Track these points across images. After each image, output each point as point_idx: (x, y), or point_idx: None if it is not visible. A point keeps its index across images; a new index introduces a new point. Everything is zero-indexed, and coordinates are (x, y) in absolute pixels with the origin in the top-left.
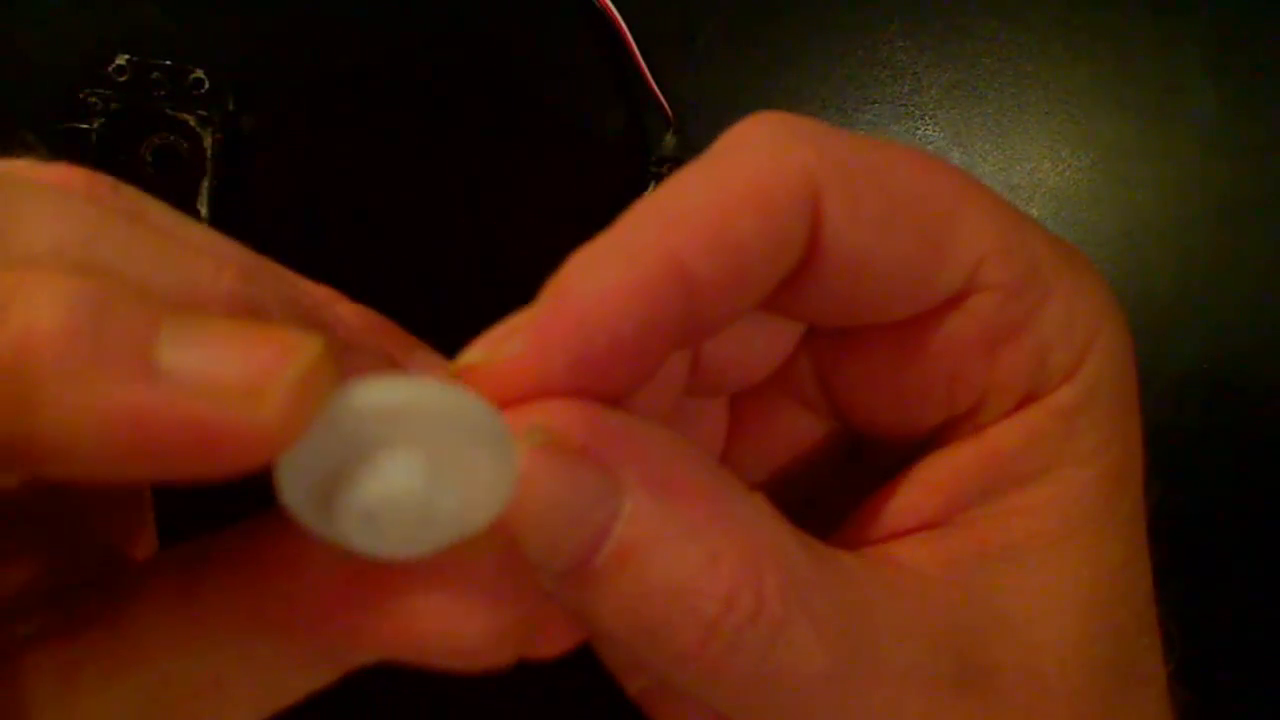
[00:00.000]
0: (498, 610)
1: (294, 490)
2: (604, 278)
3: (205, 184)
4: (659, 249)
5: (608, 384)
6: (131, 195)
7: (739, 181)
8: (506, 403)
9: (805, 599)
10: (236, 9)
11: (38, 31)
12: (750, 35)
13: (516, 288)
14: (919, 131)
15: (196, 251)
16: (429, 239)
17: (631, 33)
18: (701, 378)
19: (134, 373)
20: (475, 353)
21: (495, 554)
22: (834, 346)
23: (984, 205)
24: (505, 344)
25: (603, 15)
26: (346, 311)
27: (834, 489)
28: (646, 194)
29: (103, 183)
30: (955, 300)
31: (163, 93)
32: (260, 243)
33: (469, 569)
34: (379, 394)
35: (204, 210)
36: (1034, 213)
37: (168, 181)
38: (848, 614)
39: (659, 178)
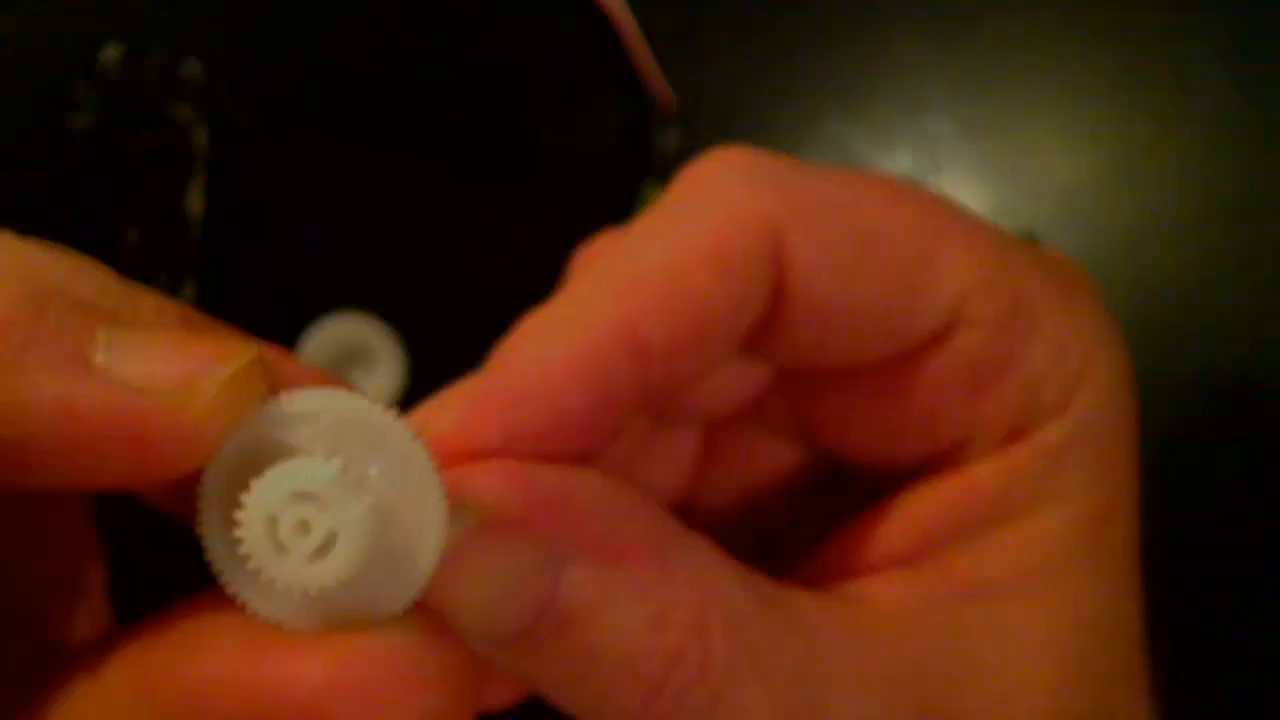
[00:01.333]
0: (428, 692)
1: (209, 497)
2: (548, 348)
3: (198, 179)
4: (609, 315)
5: (553, 456)
6: (83, 257)
7: (692, 236)
8: (443, 460)
9: (753, 653)
10: (232, 0)
11: (26, 21)
12: (756, 28)
13: (515, 286)
14: (926, 126)
15: (141, 293)
16: (426, 236)
17: (638, 26)
18: (670, 408)
19: (67, 367)
20: (410, 424)
21: (415, 624)
22: (809, 383)
23: (963, 237)
24: (438, 416)
25: (605, 16)
26: (295, 371)
27: (809, 516)
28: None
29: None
30: (936, 338)
31: (156, 85)
32: (252, 238)
33: (389, 641)
34: (307, 398)
35: (197, 206)
36: (1042, 209)
37: (160, 177)
38: (798, 667)
39: (662, 175)
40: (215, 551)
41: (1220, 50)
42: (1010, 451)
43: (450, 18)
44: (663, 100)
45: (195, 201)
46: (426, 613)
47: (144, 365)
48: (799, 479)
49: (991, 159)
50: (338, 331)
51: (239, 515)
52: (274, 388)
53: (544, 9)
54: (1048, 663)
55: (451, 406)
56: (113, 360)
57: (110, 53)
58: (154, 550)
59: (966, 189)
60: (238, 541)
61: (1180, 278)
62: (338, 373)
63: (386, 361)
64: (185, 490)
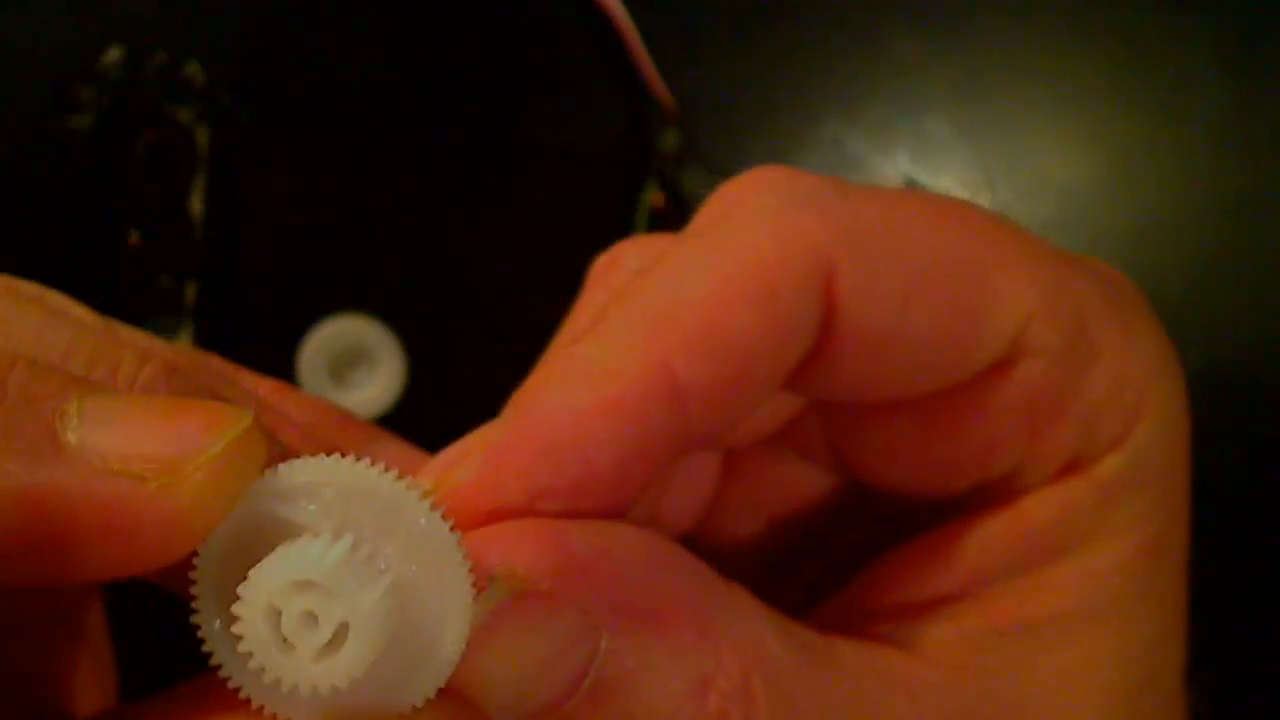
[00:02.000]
0: None
1: (203, 584)
2: (577, 395)
3: (199, 181)
4: (642, 357)
5: (582, 512)
6: (57, 296)
7: (735, 266)
8: (460, 521)
9: (796, 714)
10: (233, 2)
11: (29, 23)
12: (755, 30)
13: (515, 287)
14: (925, 128)
15: (120, 344)
16: (426, 237)
17: (636, 28)
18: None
19: (38, 450)
20: (422, 479)
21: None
22: (848, 414)
23: (1023, 258)
24: (456, 470)
25: (605, 16)
26: (296, 405)
27: (835, 545)
28: (636, 227)
29: (25, 284)
30: (994, 369)
31: (157, 87)
32: (253, 239)
33: None
34: (310, 469)
35: (198, 206)
36: (1041, 210)
37: (161, 178)
38: None
39: (661, 176)
40: (214, 644)
41: (1219, 51)
42: (1065, 485)
43: (450, 19)
44: (662, 101)
45: (196, 202)
46: (452, 700)
47: (123, 442)
48: (826, 505)
49: (990, 160)
50: (338, 333)
51: (238, 608)
52: (272, 449)
53: (544, 10)
54: (1096, 707)
55: (472, 459)
56: (87, 437)
57: (112, 54)
58: (162, 609)
59: (964, 190)
60: (237, 636)
61: (1179, 278)
62: (338, 374)
63: (387, 363)
64: (179, 570)
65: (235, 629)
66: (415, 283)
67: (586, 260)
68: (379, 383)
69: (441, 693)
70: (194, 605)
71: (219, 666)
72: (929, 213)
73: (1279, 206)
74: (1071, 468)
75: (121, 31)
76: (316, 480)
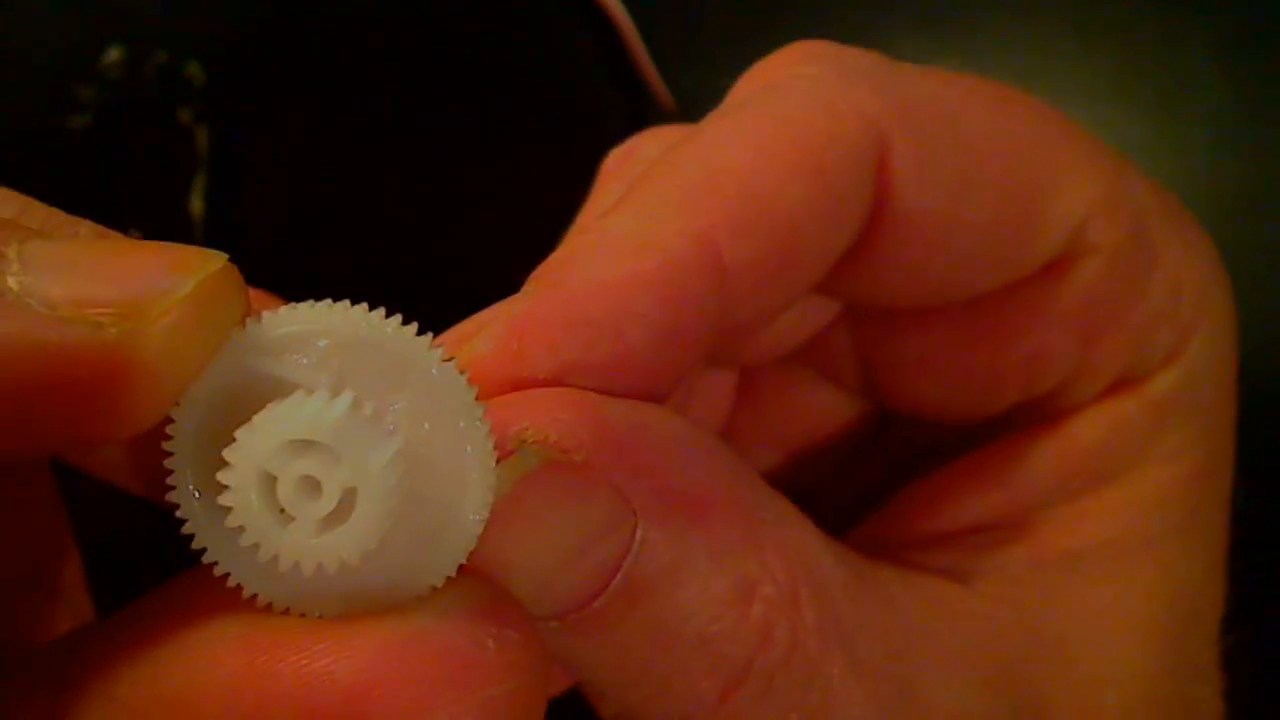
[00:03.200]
0: (489, 681)
1: (181, 453)
2: (611, 266)
3: (199, 179)
4: (683, 229)
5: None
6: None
7: (785, 139)
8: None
9: (845, 634)
10: (233, 2)
11: (29, 23)
12: (754, 29)
13: (515, 287)
14: None
15: (78, 220)
16: (426, 237)
17: (635, 26)
18: (715, 349)
19: None
20: None
21: (464, 597)
22: (882, 322)
23: (1084, 152)
24: (474, 340)
25: (603, 14)
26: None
27: (854, 471)
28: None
29: None
30: (1048, 270)
31: (157, 87)
32: (254, 238)
33: (433, 622)
34: (300, 318)
35: (199, 206)
36: None
37: (161, 177)
38: (890, 650)
39: None
40: (196, 523)
41: (1218, 51)
42: (1115, 403)
43: (450, 20)
44: (661, 101)
45: (196, 201)
46: (474, 579)
47: (74, 285)
48: (847, 432)
49: None
50: None
51: (224, 476)
52: (249, 303)
53: (544, 12)
54: (1140, 646)
55: (491, 329)
56: (31, 283)
57: (112, 54)
58: (142, 529)
59: None
60: (225, 510)
61: None
62: None
63: None
64: (151, 453)
65: (222, 500)
66: (415, 283)
67: None
68: None
69: (462, 571)
70: (170, 480)
71: (203, 550)
72: (986, 96)
73: (1278, 206)
74: (1122, 384)
75: (122, 31)
76: (309, 330)
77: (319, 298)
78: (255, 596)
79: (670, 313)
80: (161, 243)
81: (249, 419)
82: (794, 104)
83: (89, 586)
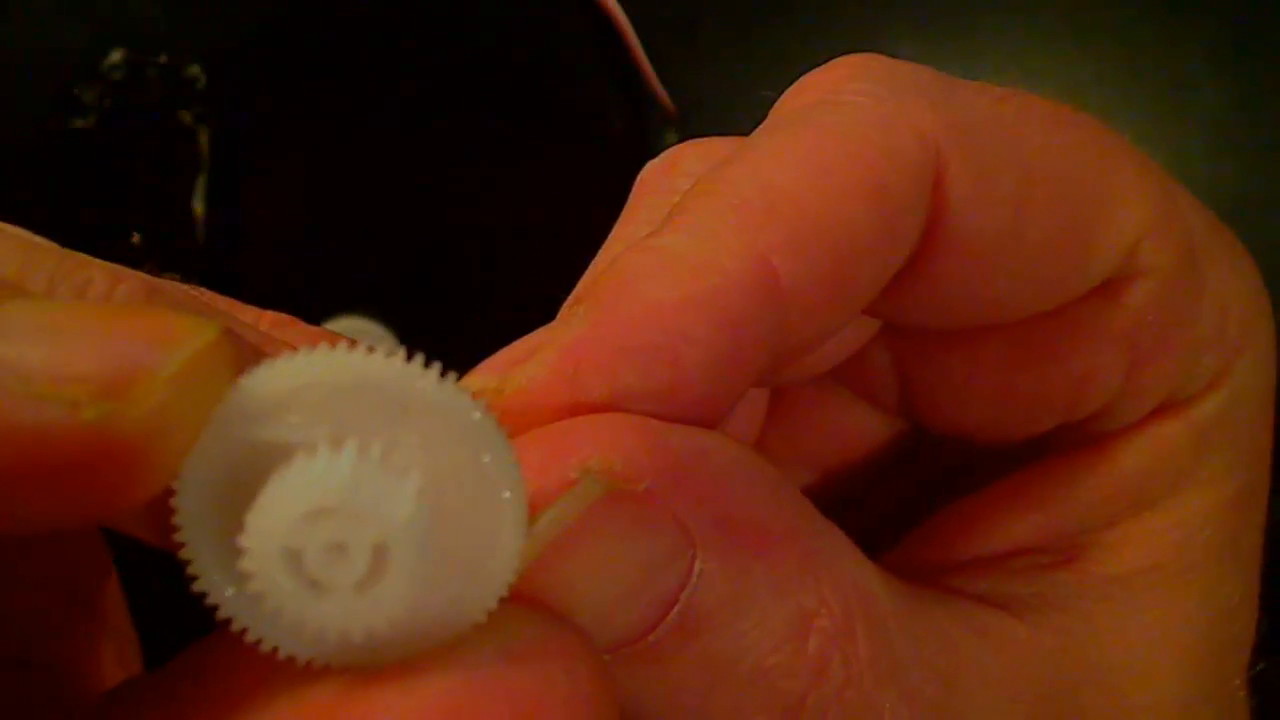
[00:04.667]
0: (566, 713)
1: (194, 543)
2: (666, 288)
3: (201, 180)
4: (740, 249)
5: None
6: (18, 228)
7: (844, 159)
8: (526, 424)
9: (897, 666)
10: (234, 5)
11: (32, 26)
12: (753, 31)
13: (516, 290)
14: None
15: (91, 263)
16: (427, 239)
17: (634, 29)
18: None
19: None
20: (479, 379)
21: (526, 629)
22: (926, 343)
23: (1135, 166)
24: (526, 365)
25: (603, 13)
26: (303, 338)
27: (886, 492)
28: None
29: None
30: (1100, 291)
31: (158, 89)
32: (256, 240)
33: (501, 658)
34: (285, 373)
35: (200, 207)
36: None
37: (163, 179)
38: (942, 682)
39: None
40: (228, 607)
41: (1216, 53)
42: (1159, 426)
43: (450, 22)
44: (661, 103)
45: (198, 203)
46: (529, 612)
47: (51, 359)
48: (880, 452)
49: None
50: (338, 334)
51: (246, 565)
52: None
53: (544, 13)
54: (1180, 673)
55: (545, 355)
56: (5, 354)
57: (114, 57)
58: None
59: None
60: (256, 593)
61: None
62: None
63: None
64: (157, 513)
65: (251, 588)
66: (415, 284)
67: (585, 261)
68: None
69: (511, 602)
70: (190, 571)
71: (232, 620)
72: (1041, 114)
73: (1276, 206)
74: (1166, 408)
75: (123, 34)
76: (296, 384)
77: (319, 298)
78: (298, 659)
79: (728, 337)
80: (151, 310)
81: (254, 494)
82: (849, 121)
83: (127, 605)
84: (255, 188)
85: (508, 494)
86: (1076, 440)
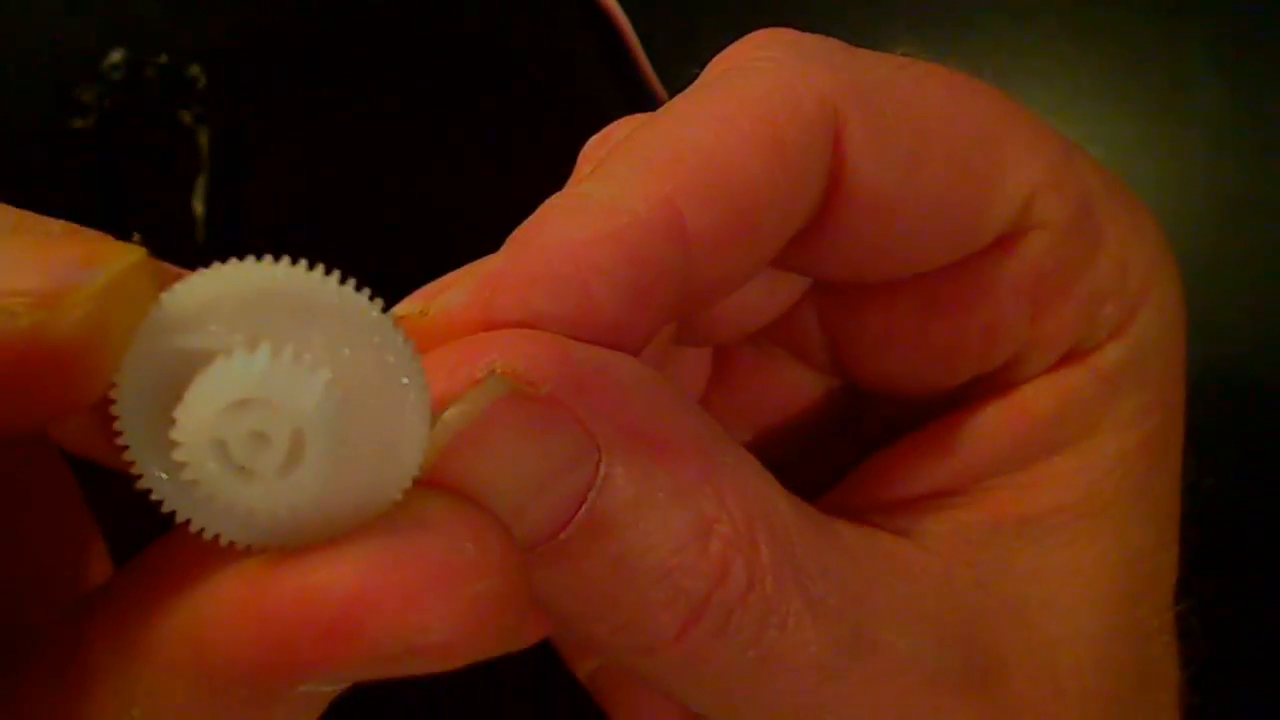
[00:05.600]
0: (477, 576)
1: (136, 445)
2: (579, 227)
3: (201, 181)
4: (648, 195)
5: None
6: None
7: (745, 113)
8: (441, 340)
9: (801, 575)
10: (234, 5)
11: (32, 27)
12: (753, 30)
13: None
14: None
15: (20, 211)
16: (427, 239)
17: (634, 30)
18: (687, 326)
19: None
20: (404, 305)
21: (438, 505)
22: (846, 298)
23: (1030, 129)
24: (442, 295)
25: (603, 14)
26: None
27: (826, 449)
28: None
29: None
30: (998, 244)
31: (158, 89)
32: (256, 240)
33: (414, 529)
34: (200, 287)
35: (200, 207)
36: None
37: (164, 178)
38: (846, 594)
39: None
40: (166, 497)
41: (1215, 53)
42: (1066, 374)
43: (450, 21)
44: (659, 102)
45: (198, 203)
46: (443, 493)
47: None
48: (817, 409)
49: None
50: None
51: (178, 455)
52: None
53: (544, 13)
54: (1094, 608)
55: (466, 283)
56: None
57: (114, 57)
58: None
59: None
60: (191, 481)
61: None
62: None
63: None
64: (95, 422)
65: (185, 475)
66: (416, 284)
67: None
68: None
69: (427, 486)
70: (134, 470)
71: (174, 510)
72: (937, 78)
73: (1276, 208)
74: (1072, 356)
75: (123, 34)
76: (211, 296)
77: None
78: (233, 540)
79: (635, 270)
80: (85, 234)
81: (182, 395)
82: (754, 83)
83: (113, 564)
84: (255, 187)
85: (408, 382)
86: (991, 390)
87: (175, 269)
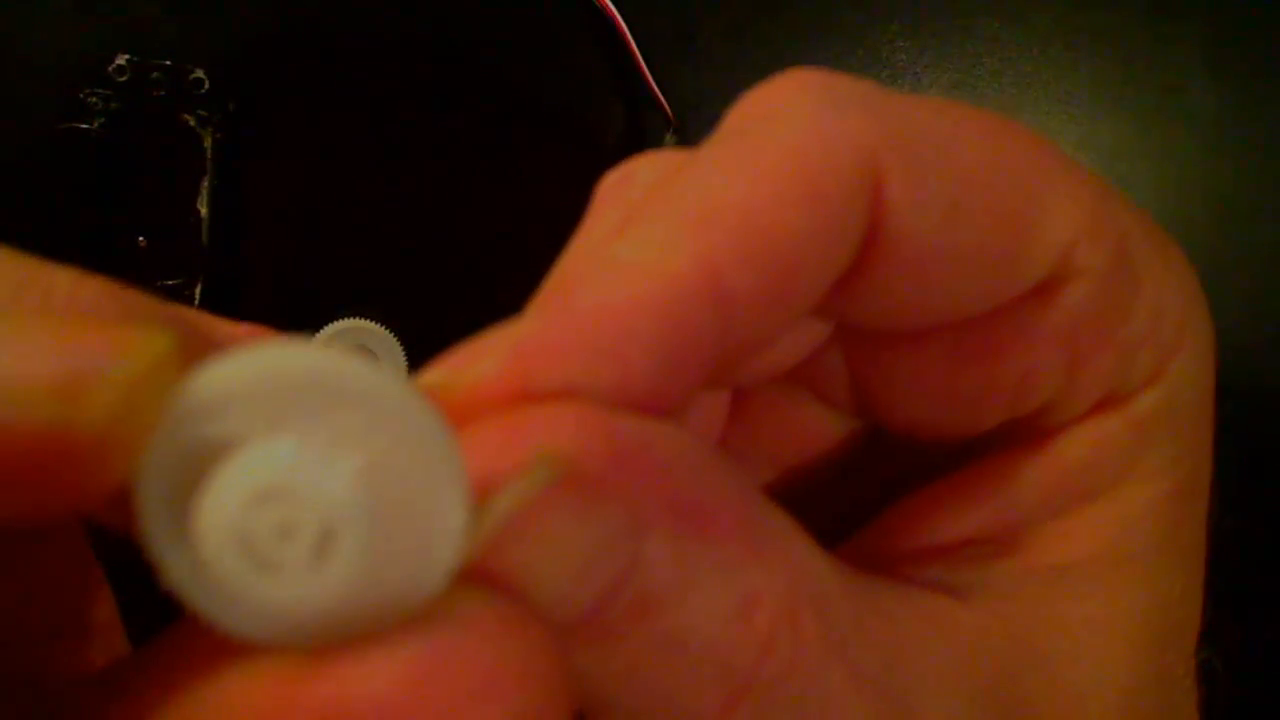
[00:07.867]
0: (519, 687)
1: (152, 524)
2: (615, 291)
3: (205, 184)
4: (687, 256)
5: None
6: None
7: (782, 167)
8: (476, 418)
9: (844, 646)
10: (237, 9)
11: (38, 31)
12: (750, 35)
13: (516, 293)
14: None
15: (60, 270)
16: (428, 241)
17: (631, 32)
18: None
19: None
20: (433, 375)
21: (478, 604)
22: (875, 342)
23: (1068, 173)
24: (475, 364)
25: (603, 15)
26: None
27: (847, 489)
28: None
29: None
30: (1036, 291)
31: (163, 93)
32: (258, 243)
33: (455, 629)
34: (223, 374)
35: (204, 210)
36: None
37: (168, 182)
38: (887, 662)
39: None
40: (191, 595)
41: (1209, 56)
42: (1100, 421)
43: (452, 28)
44: (658, 107)
45: (202, 205)
46: (484, 591)
47: (10, 365)
48: (840, 452)
49: None
50: (340, 335)
51: (201, 549)
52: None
53: (544, 19)
54: (1123, 660)
55: (498, 351)
56: None
57: (119, 61)
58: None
59: None
60: (215, 581)
61: None
62: None
63: (388, 366)
64: (120, 502)
65: (208, 573)
66: (417, 286)
67: None
68: None
69: (466, 581)
70: (155, 560)
71: (195, 603)
72: (978, 124)
73: (1269, 209)
74: (1106, 403)
75: (129, 38)
76: (234, 382)
77: (322, 299)
78: (255, 639)
79: (673, 337)
80: (108, 324)
81: (203, 487)
82: (789, 133)
83: (123, 624)
84: (259, 190)
85: (445, 469)
86: (1022, 436)
87: (210, 347)
